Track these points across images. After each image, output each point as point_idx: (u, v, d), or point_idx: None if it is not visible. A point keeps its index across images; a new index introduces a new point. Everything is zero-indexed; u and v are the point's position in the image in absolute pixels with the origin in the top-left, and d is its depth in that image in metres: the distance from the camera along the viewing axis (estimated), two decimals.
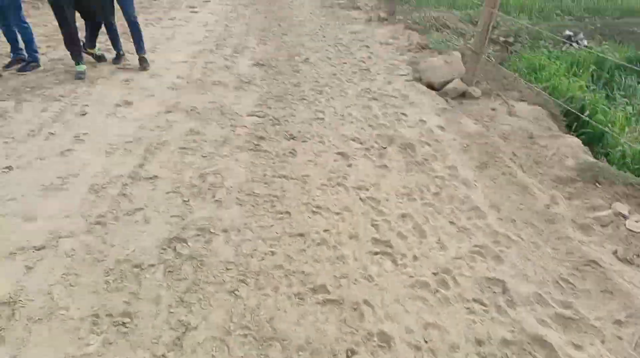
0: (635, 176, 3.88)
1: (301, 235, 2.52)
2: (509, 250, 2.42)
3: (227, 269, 2.26)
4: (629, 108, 6.50)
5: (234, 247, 2.41)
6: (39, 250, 2.28)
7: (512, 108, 4.39)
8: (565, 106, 4.40)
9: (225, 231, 2.52)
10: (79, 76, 4.65)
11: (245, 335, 1.90)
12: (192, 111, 4.09)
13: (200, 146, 3.46)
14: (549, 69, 6.25)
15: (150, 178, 2.98)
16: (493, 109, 4.37)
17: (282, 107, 4.30)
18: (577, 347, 1.86)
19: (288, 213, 2.71)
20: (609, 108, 6.11)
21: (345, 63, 5.77)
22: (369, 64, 5.77)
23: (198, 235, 2.47)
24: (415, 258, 2.38)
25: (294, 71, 5.38)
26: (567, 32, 9.59)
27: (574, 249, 2.40)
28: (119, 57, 5.22)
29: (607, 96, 7.12)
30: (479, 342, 1.89)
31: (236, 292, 2.12)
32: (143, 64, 4.99)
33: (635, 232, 2.59)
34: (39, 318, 1.92)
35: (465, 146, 3.59)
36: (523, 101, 4.66)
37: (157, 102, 4.27)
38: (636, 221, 2.66)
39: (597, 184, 3.05)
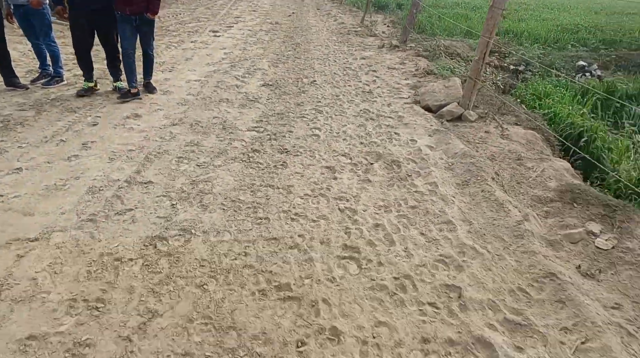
0: (628, 200, 3.89)
1: (275, 239, 2.67)
2: (473, 261, 2.50)
3: (201, 266, 2.41)
4: (638, 136, 6.46)
5: (210, 247, 2.57)
6: (32, 241, 2.50)
7: (505, 131, 4.48)
8: (552, 132, 4.45)
9: (205, 232, 2.69)
10: (81, 93, 4.92)
11: (206, 324, 2.04)
12: (196, 124, 4.35)
13: (197, 156, 3.68)
14: (553, 97, 6.31)
15: (145, 183, 3.20)
16: (486, 132, 4.47)
17: (282, 124, 4.52)
18: (519, 349, 1.91)
19: (267, 218, 2.87)
20: (620, 136, 6.10)
21: (350, 86, 6.00)
22: (373, 87, 5.97)
23: (179, 235, 2.65)
24: (380, 263, 2.48)
25: (299, 92, 5.63)
26: (581, 63, 9.64)
27: (537, 263, 2.45)
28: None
29: (616, 125, 7.10)
30: (425, 340, 1.96)
31: (205, 286, 2.27)
32: (149, 88, 5.24)
33: (602, 249, 2.62)
34: (21, 300, 2.11)
35: (450, 164, 3.69)
36: (518, 125, 4.74)
37: (165, 115, 4.55)
38: (606, 240, 2.69)
39: (574, 204, 3.09)
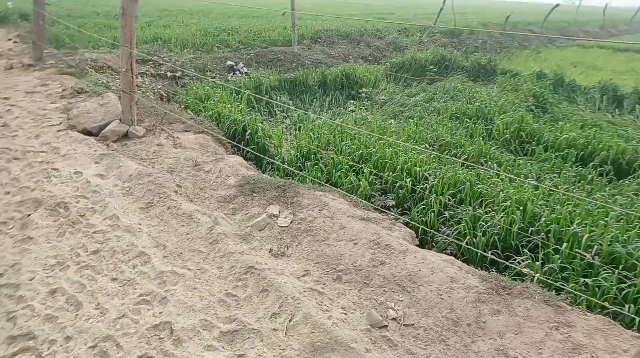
0: (291, 177, 4.57)
1: None
2: (176, 287, 2.34)
3: None
4: (287, 121, 7.77)
5: None
6: None
7: (177, 140, 4.45)
8: (219, 132, 4.78)
9: None
10: None
11: None
12: None
13: None
14: (213, 98, 6.76)
15: None
16: (159, 145, 4.32)
17: None
18: (240, 356, 1.91)
19: None
20: (277, 123, 7.14)
21: None
22: (9, 118, 4.82)
23: None
24: (68, 338, 1.99)
25: None
26: (229, 63, 10.76)
27: (236, 261, 2.52)
28: None
29: (271, 113, 8.32)
30: None
31: None
32: None
33: (284, 227, 2.95)
34: None
35: (127, 189, 3.37)
36: (188, 131, 4.81)
37: None
38: (285, 218, 3.05)
39: (254, 194, 3.37)
